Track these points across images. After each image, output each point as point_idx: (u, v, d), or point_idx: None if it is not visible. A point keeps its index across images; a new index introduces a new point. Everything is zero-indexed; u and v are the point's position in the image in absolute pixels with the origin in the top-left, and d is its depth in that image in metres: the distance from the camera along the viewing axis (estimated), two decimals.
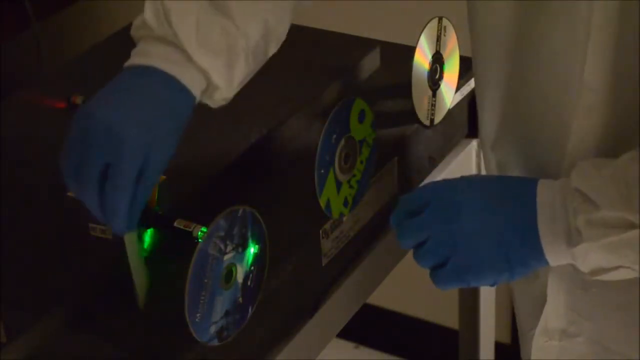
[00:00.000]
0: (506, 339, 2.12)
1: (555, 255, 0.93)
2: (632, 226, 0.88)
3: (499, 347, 1.66)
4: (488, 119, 1.07)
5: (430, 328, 2.27)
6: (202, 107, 1.28)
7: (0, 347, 0.96)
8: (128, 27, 1.05)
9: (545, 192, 0.93)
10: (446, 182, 1.01)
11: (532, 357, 1.11)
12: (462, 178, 1.01)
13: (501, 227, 0.94)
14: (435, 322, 2.26)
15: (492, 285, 0.97)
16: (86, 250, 1.06)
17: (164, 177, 1.07)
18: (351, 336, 2.33)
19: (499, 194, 0.96)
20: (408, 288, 2.18)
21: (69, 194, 1.07)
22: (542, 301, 1.06)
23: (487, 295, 1.56)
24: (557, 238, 0.92)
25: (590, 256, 0.91)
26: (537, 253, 0.93)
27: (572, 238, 0.91)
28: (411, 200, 0.99)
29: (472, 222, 0.95)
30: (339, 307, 1.16)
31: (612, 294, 1.00)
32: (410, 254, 1.29)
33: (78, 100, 1.29)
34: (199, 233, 1.01)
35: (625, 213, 0.88)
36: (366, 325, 2.21)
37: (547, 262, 0.94)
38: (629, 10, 0.89)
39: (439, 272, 0.97)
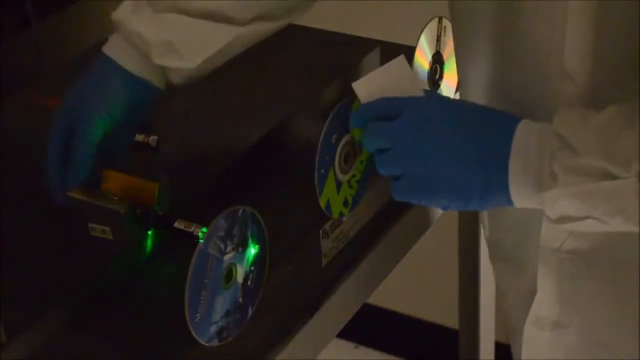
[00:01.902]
0: (506, 339, 2.11)
1: (521, 196, 0.91)
2: (608, 177, 0.86)
3: (499, 347, 1.66)
4: None
5: (430, 328, 2.27)
6: (202, 108, 1.28)
7: (0, 347, 0.96)
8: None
9: (524, 131, 0.91)
10: (427, 96, 0.99)
11: (523, 348, 1.10)
12: (446, 98, 0.99)
13: (469, 153, 0.92)
14: (435, 322, 2.26)
15: (443, 209, 0.96)
16: (86, 250, 1.06)
17: (164, 177, 1.07)
18: (351, 336, 2.33)
19: (477, 121, 0.94)
20: (408, 288, 2.18)
21: (69, 194, 1.07)
22: (532, 294, 1.06)
23: (487, 295, 1.56)
24: (527, 179, 0.90)
25: (560, 203, 0.89)
26: (499, 189, 0.92)
27: (544, 182, 0.89)
28: (384, 105, 0.98)
29: (440, 140, 0.93)
30: (339, 307, 1.16)
31: (598, 285, 1.00)
32: (410, 254, 1.30)
33: None
34: (200, 233, 1.01)
35: (605, 163, 0.86)
36: (366, 325, 2.21)
37: (510, 202, 0.92)
38: (605, 1, 0.89)
39: (396, 182, 0.96)
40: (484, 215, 1.13)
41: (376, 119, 0.97)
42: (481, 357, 1.62)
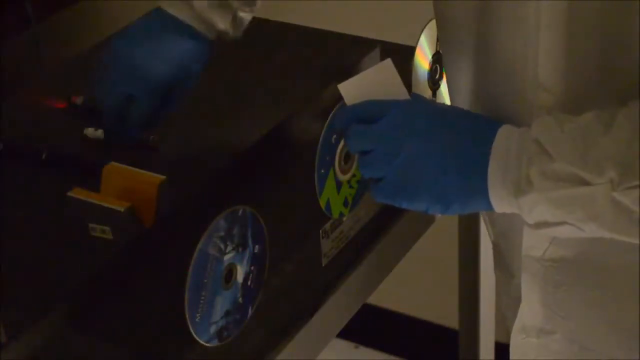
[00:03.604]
0: (506, 339, 2.11)
1: (500, 202, 0.91)
2: (583, 183, 0.86)
3: (499, 347, 1.66)
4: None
5: (430, 328, 2.27)
6: (202, 107, 1.28)
7: (0, 347, 0.96)
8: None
9: (504, 136, 0.91)
10: (411, 101, 0.99)
11: (511, 355, 1.10)
12: (429, 102, 1.00)
13: (449, 158, 0.92)
14: (435, 322, 2.26)
15: (424, 212, 0.96)
16: (86, 250, 1.06)
17: (164, 177, 1.07)
18: (351, 336, 2.33)
19: (459, 125, 0.94)
20: (408, 288, 2.18)
21: (69, 194, 1.07)
22: (520, 301, 1.06)
23: (487, 295, 1.56)
24: (505, 184, 0.90)
25: (537, 208, 0.89)
26: (479, 193, 0.92)
27: (521, 187, 0.89)
28: (367, 107, 0.98)
29: (421, 144, 0.93)
30: (339, 307, 1.16)
31: (584, 291, 0.99)
32: (410, 254, 1.30)
33: (78, 100, 1.29)
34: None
35: (578, 169, 0.86)
36: (366, 325, 2.21)
37: (490, 207, 0.92)
38: (576, 11, 0.89)
39: (377, 185, 0.96)
40: (486, 217, 1.14)
41: (359, 120, 0.97)
42: (481, 357, 1.62)
